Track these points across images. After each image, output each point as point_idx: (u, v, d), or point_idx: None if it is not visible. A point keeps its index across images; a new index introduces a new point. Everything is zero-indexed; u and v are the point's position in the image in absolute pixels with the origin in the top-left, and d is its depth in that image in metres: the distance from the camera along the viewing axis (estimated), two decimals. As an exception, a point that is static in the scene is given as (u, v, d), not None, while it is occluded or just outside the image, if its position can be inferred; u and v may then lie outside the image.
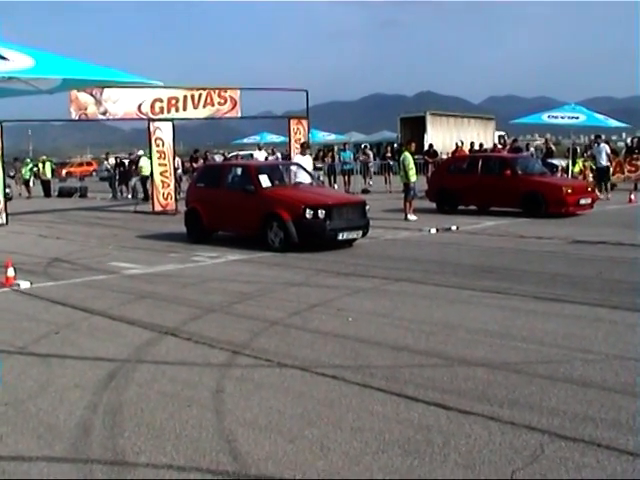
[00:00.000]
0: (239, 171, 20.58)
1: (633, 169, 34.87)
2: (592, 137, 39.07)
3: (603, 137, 36.26)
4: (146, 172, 38.01)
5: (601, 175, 32.22)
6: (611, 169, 33.28)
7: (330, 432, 6.18)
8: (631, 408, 6.55)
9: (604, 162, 32.34)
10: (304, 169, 20.96)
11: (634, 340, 8.83)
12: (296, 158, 22.69)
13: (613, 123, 36.15)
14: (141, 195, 36.52)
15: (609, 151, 33.38)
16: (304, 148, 23.63)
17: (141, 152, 41.18)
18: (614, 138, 42.26)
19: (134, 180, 38.60)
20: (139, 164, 38.08)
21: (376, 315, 10.49)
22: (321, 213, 17.39)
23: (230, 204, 19.26)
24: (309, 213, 17.36)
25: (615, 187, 33.42)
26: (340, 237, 17.60)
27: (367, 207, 18.47)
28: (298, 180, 20.52)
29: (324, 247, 17.28)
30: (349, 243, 18.06)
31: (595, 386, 7.18)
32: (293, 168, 21.36)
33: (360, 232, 18.13)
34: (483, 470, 5.39)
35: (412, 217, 23.75)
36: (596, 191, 31.55)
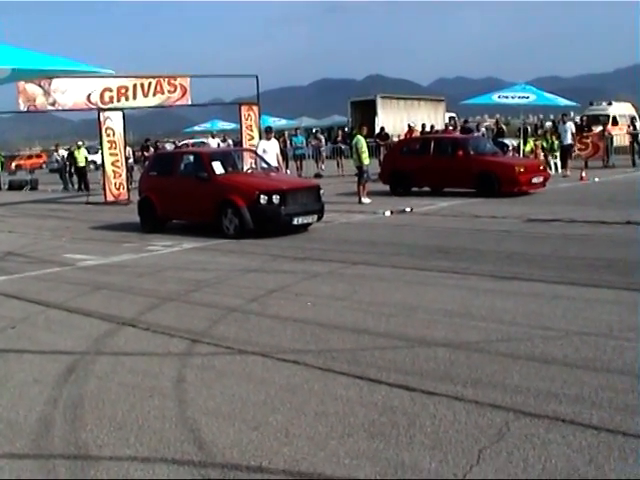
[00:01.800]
0: (192, 158, 20.52)
1: (583, 147, 35.14)
2: (541, 117, 39.31)
3: (572, 115, 36.69)
4: (81, 163, 37.72)
5: (565, 152, 32.70)
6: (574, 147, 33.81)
7: (294, 418, 6.15)
8: (593, 383, 6.58)
9: (569, 140, 32.96)
10: (259, 155, 20.88)
11: (592, 315, 8.88)
12: (261, 144, 22.54)
13: (563, 102, 36.50)
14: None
15: (574, 130, 33.88)
16: (268, 133, 23.56)
17: (80, 143, 40.78)
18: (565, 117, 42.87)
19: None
20: (74, 155, 37.97)
21: (335, 299, 10.47)
22: (275, 198, 17.34)
23: (184, 192, 19.09)
24: (263, 199, 17.31)
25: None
26: (295, 222, 17.56)
27: (322, 191, 18.48)
28: (251, 166, 20.59)
29: (279, 233, 17.22)
30: (304, 228, 18.03)
31: (556, 362, 7.21)
32: (246, 154, 21.24)
33: (315, 216, 18.13)
34: (450, 450, 5.38)
35: (366, 200, 23.77)
36: (558, 168, 31.97)
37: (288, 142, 43.05)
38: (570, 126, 33.88)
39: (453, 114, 62.11)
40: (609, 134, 36.89)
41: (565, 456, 5.21)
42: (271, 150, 21.81)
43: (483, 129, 41.15)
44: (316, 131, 48.32)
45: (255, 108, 32.33)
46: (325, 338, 8.51)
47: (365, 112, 53.66)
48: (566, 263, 12.24)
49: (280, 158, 22.98)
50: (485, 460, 5.21)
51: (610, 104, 53.56)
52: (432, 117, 56.44)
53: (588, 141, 36.04)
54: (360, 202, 23.66)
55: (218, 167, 18.82)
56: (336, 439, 5.69)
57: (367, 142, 25.97)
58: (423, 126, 42.73)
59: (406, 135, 39.17)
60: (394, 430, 5.78)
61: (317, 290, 11.12)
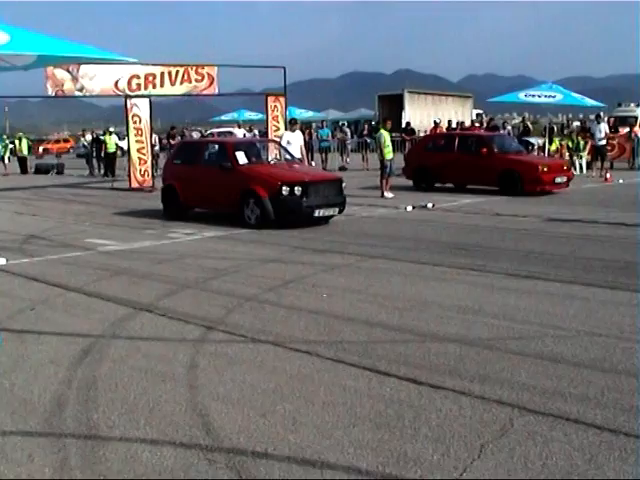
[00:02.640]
0: (216, 148, 20.54)
1: (610, 148, 35.00)
2: (569, 116, 39.12)
3: (602, 115, 36.54)
4: (111, 148, 37.91)
5: (598, 152, 32.62)
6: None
7: (302, 407, 6.24)
8: (600, 383, 6.63)
9: (602, 140, 32.86)
10: (282, 147, 20.95)
11: (605, 317, 8.92)
12: (286, 135, 22.61)
13: (590, 102, 36.33)
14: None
15: (607, 130, 33.75)
16: (293, 124, 23.63)
17: (111, 129, 41.05)
18: (591, 117, 42.51)
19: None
20: (103, 140, 38.24)
21: (350, 291, 10.55)
22: (297, 190, 17.39)
23: (207, 181, 19.21)
24: (285, 190, 17.35)
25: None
26: (316, 214, 17.63)
27: (344, 184, 18.51)
28: (275, 157, 20.57)
29: (300, 224, 17.29)
30: (325, 220, 18.10)
31: (565, 362, 7.26)
32: (270, 145, 21.31)
33: (336, 209, 18.16)
34: (452, 444, 5.46)
35: (388, 194, 23.81)
36: (583, 168, 31.88)
37: (314, 134, 43.09)
38: (604, 127, 33.70)
39: (480, 111, 62.01)
40: (635, 135, 36.69)
41: (566, 454, 5.26)
42: (295, 142, 21.88)
43: (509, 127, 41.03)
44: (342, 124, 48.30)
45: (282, 99, 32.38)
46: (338, 330, 8.59)
47: (392, 106, 53.67)
48: (583, 264, 12.26)
49: (304, 150, 23.06)
50: (486, 455, 5.28)
51: (638, 105, 53.23)
52: (459, 113, 56.43)
53: (614, 142, 35.89)
54: (383, 196, 23.71)
55: (242, 157, 18.82)
56: (342, 429, 5.77)
57: (392, 137, 26.01)
58: (449, 122, 42.68)
59: (432, 131, 39.17)
60: (399, 422, 5.86)
61: (333, 282, 11.20)
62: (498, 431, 5.66)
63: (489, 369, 7.07)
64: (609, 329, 8.38)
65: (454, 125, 42.61)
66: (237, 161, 18.67)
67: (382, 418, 5.95)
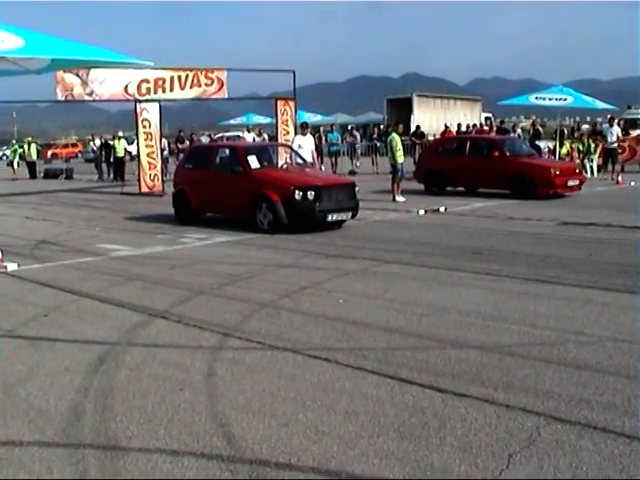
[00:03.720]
0: (227, 152, 20.52)
1: (620, 151, 34.85)
2: (577, 119, 39.03)
3: (614, 118, 36.42)
4: (120, 153, 37.93)
5: (609, 155, 32.57)
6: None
7: (324, 416, 6.14)
8: (626, 390, 6.52)
9: (614, 143, 32.88)
10: (294, 150, 20.91)
11: (626, 322, 8.80)
12: (297, 139, 22.59)
13: (600, 105, 36.21)
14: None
15: (620, 133, 33.70)
16: (304, 128, 23.54)
17: (120, 134, 41.04)
18: (599, 120, 42.42)
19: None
20: (112, 145, 38.28)
21: (367, 297, 10.44)
22: (310, 194, 17.26)
23: (219, 185, 19.06)
24: (298, 194, 17.22)
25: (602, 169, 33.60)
26: (329, 218, 17.52)
27: (357, 189, 18.43)
28: (286, 161, 20.52)
29: (313, 229, 17.20)
30: (338, 225, 18.01)
31: (589, 368, 7.15)
32: (281, 149, 21.24)
33: (350, 213, 18.07)
34: (480, 453, 5.35)
35: (400, 198, 23.71)
36: (594, 171, 31.81)
37: (323, 138, 43.05)
38: (616, 129, 33.62)
39: (489, 114, 61.88)
40: (646, 138, 36.60)
41: (597, 464, 5.16)
42: (307, 146, 21.87)
43: (519, 130, 40.91)
44: (351, 128, 48.21)
45: (291, 103, 32.35)
46: (356, 336, 8.49)
47: (401, 110, 53.65)
48: (600, 268, 12.14)
49: (315, 154, 23.01)
50: (515, 465, 5.17)
51: (648, 108, 53.08)
52: (468, 117, 56.33)
53: (625, 145, 35.75)
54: (394, 200, 23.60)
55: (254, 161, 18.70)
56: (366, 438, 5.67)
57: (402, 140, 25.93)
58: (459, 126, 42.59)
59: (442, 134, 39.08)
60: (424, 431, 5.76)
61: (349, 288, 11.09)
62: (525, 440, 5.55)
63: (512, 376, 6.96)
64: (632, 335, 8.26)
65: (464, 128, 42.48)
66: (249, 165, 18.55)
67: (406, 427, 5.85)
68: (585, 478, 4.97)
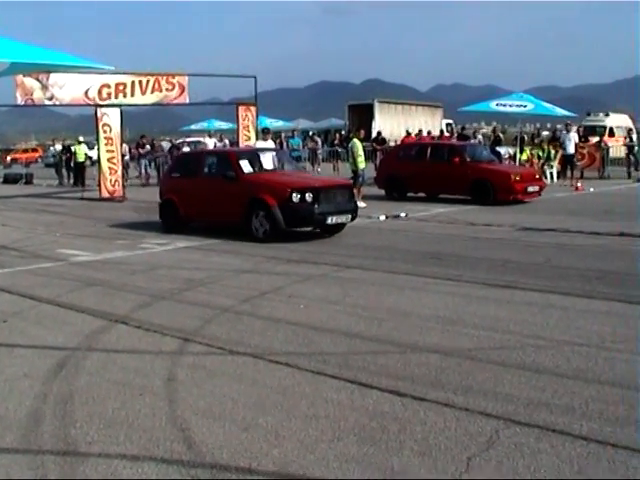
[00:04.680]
0: (217, 158, 19.76)
1: (580, 157, 35.17)
2: (537, 125, 39.37)
3: (572, 125, 36.79)
4: (80, 158, 37.73)
5: (568, 162, 32.91)
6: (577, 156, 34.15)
7: (284, 420, 6.14)
8: (584, 394, 6.59)
9: (572, 150, 33.18)
10: (285, 155, 20.76)
11: (585, 326, 8.89)
12: (258, 144, 22.49)
13: (560, 112, 36.53)
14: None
15: (577, 139, 34.04)
16: (265, 134, 23.51)
17: (81, 139, 40.80)
18: (559, 126, 42.76)
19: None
20: (73, 150, 38.08)
21: (328, 302, 10.47)
22: (309, 196, 16.69)
23: (209, 193, 18.42)
24: (296, 196, 16.62)
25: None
26: (329, 221, 17.05)
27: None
28: (278, 165, 19.70)
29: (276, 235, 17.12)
30: (337, 229, 17.79)
31: (548, 372, 7.22)
32: (270, 154, 20.29)
33: (349, 216, 17.66)
34: (439, 457, 5.39)
35: (361, 204, 23.68)
36: (554, 177, 32.09)
37: (285, 144, 43.06)
38: (574, 136, 34.01)
39: (450, 121, 62.19)
40: (605, 145, 36.99)
41: (554, 466, 5.21)
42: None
43: (479, 136, 41.17)
44: (313, 133, 48.30)
45: (253, 108, 32.31)
46: (317, 341, 8.51)
47: (362, 116, 53.73)
48: (559, 273, 12.26)
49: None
50: (474, 468, 5.21)
51: (607, 115, 53.61)
52: (429, 123, 56.55)
53: (584, 151, 36.13)
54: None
55: (246, 166, 18.13)
56: (326, 442, 5.68)
57: (364, 146, 26.03)
58: (419, 132, 42.78)
59: (403, 140, 39.24)
60: (384, 435, 5.78)
61: (310, 293, 11.12)
62: (484, 443, 5.60)
63: (471, 380, 7.01)
64: (590, 339, 8.36)
65: (425, 134, 42.68)
66: (241, 170, 17.98)
67: (366, 431, 5.87)
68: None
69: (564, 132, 35.19)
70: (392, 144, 41.83)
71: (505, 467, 5.21)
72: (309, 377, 7.26)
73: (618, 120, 53.48)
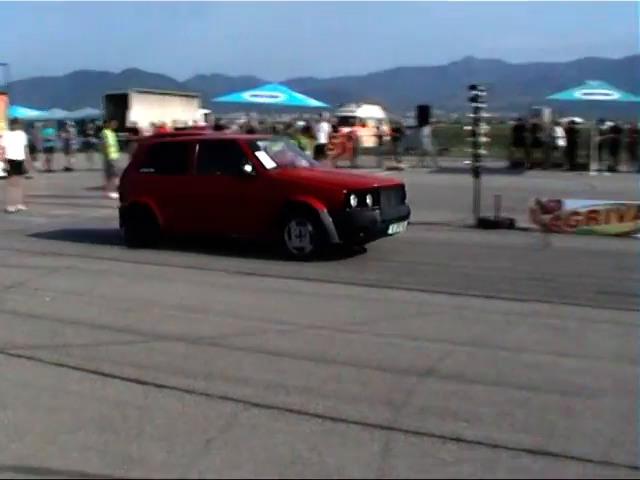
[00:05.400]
0: (220, 149, 14.78)
1: (332, 147, 36.20)
2: (294, 116, 40.17)
3: (324, 115, 37.74)
4: None
5: (319, 151, 33.80)
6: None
7: (25, 414, 6.10)
8: (321, 374, 6.91)
9: (323, 139, 33.97)
10: (295, 148, 17.42)
11: (326, 310, 9.32)
12: (6, 135, 21.77)
13: (313, 103, 37.48)
14: None
15: (327, 129, 34.93)
16: (13, 124, 22.86)
17: None
18: (315, 117, 44.11)
19: None
20: None
21: (74, 294, 10.41)
22: (369, 199, 12.92)
23: (210, 195, 13.99)
24: (354, 200, 12.74)
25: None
26: (390, 231, 13.30)
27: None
28: (297, 159, 15.50)
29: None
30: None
31: (288, 355, 7.50)
32: (282, 144, 16.37)
33: (406, 223, 13.87)
34: (177, 441, 5.50)
35: (113, 195, 23.44)
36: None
37: (38, 134, 41.95)
38: (324, 126, 34.94)
39: (208, 111, 62.34)
40: (355, 135, 38.24)
41: (289, 444, 5.44)
42: (18, 142, 21.16)
43: (234, 126, 41.58)
44: (66, 124, 47.28)
45: (4, 97, 31.29)
46: (62, 333, 8.44)
47: (119, 106, 53.03)
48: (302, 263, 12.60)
49: (27, 151, 22.37)
50: (212, 450, 5.37)
51: (359, 106, 55.38)
52: (186, 112, 56.50)
53: (337, 141, 37.20)
54: (107, 197, 23.38)
55: (265, 159, 13.93)
56: (66, 433, 5.69)
57: (118, 137, 25.85)
58: (175, 122, 42.74)
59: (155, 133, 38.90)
60: (124, 423, 5.85)
61: (57, 285, 11.00)
62: (223, 426, 5.77)
63: (214, 366, 7.19)
64: (329, 321, 8.74)
65: (180, 125, 42.65)
66: (261, 164, 13.73)
67: (107, 420, 5.92)
68: (278, 457, 5.25)
69: (315, 123, 36.18)
70: (146, 134, 41.52)
71: (242, 447, 5.38)
72: (52, 370, 7.22)
73: (370, 111, 55.38)
